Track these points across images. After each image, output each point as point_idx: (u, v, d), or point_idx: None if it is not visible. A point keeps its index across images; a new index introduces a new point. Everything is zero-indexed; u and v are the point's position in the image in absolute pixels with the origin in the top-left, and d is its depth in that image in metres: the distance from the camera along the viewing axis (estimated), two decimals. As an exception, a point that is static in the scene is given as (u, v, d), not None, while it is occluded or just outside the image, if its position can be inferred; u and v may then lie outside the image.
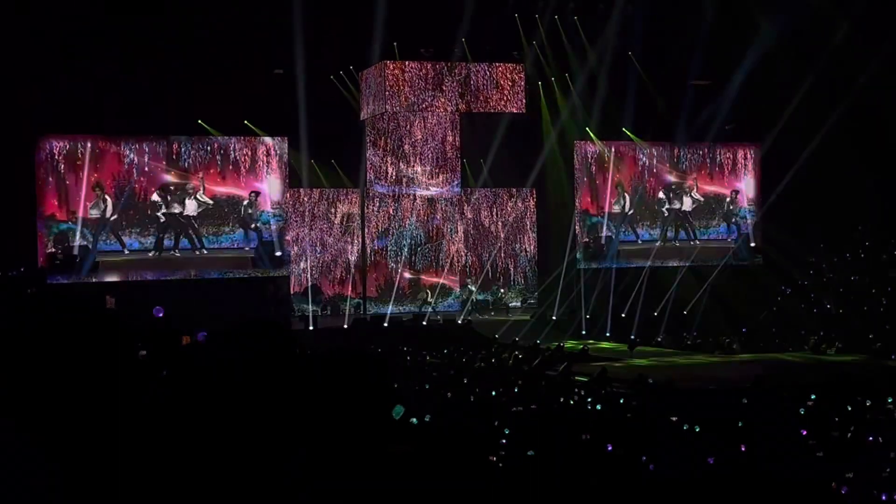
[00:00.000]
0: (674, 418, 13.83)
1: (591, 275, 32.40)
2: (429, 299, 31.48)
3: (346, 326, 28.41)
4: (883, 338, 25.02)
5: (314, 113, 29.36)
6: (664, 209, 33.58)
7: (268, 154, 29.92)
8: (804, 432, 12.58)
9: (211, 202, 29.44)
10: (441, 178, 32.18)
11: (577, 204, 32.68)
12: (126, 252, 28.79)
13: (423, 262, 32.23)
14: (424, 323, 28.53)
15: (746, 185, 34.37)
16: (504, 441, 11.93)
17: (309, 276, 31.06)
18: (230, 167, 29.62)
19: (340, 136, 31.27)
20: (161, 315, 18.05)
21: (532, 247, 33.29)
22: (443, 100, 31.56)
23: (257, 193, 29.73)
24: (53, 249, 27.66)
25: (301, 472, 2.98)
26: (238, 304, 26.46)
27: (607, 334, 28.41)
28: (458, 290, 32.32)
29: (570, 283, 32.55)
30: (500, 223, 32.98)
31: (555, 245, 32.85)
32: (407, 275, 31.92)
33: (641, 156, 33.45)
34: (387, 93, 30.89)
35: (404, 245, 31.85)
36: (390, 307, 31.13)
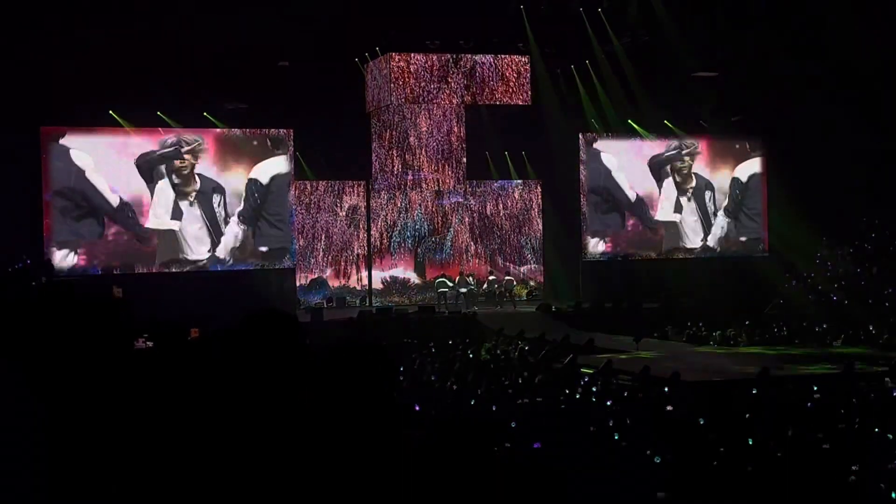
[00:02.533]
0: (678, 410, 13.85)
1: (596, 266, 32.42)
2: (441, 289, 31.39)
3: (351, 318, 28.38)
4: (889, 330, 24.96)
5: (319, 105, 29.29)
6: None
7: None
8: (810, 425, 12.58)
9: None
10: (447, 173, 32.08)
11: (582, 194, 32.66)
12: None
13: (429, 255, 32.20)
14: (430, 314, 28.50)
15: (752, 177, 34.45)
16: (510, 433, 11.95)
17: (315, 268, 31.08)
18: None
19: (346, 128, 31.20)
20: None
21: (539, 238, 33.25)
22: (448, 92, 31.48)
23: None
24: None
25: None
26: (244, 295, 26.48)
27: (613, 326, 28.32)
28: (463, 281, 32.28)
29: (576, 275, 32.54)
30: (505, 214, 32.94)
31: (561, 236, 32.83)
32: (412, 269, 31.91)
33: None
34: (392, 85, 30.82)
35: (408, 237, 31.83)
36: (395, 299, 31.14)
